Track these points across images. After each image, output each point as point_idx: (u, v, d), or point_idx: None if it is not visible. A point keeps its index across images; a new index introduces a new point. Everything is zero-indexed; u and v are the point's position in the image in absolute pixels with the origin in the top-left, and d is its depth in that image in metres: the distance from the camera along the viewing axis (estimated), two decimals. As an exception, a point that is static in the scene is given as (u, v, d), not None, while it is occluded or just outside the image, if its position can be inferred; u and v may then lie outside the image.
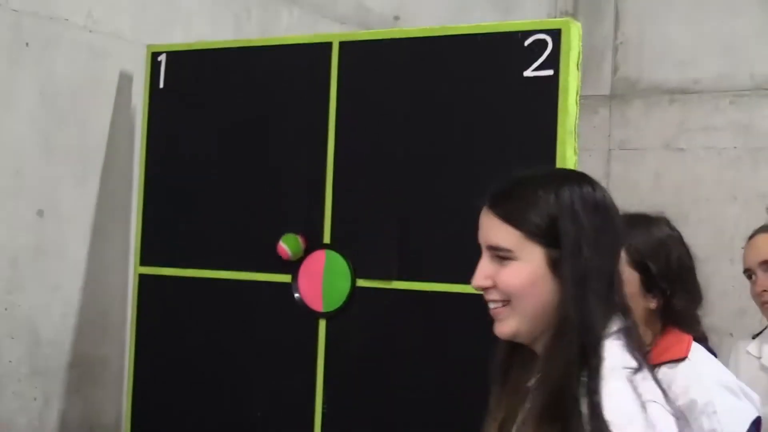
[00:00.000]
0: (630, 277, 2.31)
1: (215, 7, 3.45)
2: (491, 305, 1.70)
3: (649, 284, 2.37)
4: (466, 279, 2.38)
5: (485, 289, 1.70)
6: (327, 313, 2.76)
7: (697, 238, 4.48)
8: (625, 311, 1.69)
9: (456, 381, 2.55)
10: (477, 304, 2.18)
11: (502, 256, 1.65)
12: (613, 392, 1.58)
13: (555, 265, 1.62)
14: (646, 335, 2.32)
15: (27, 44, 2.93)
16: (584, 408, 1.54)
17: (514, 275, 1.64)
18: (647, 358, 1.73)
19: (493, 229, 1.66)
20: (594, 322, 1.61)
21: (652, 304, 2.38)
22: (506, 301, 1.66)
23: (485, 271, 1.69)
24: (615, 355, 1.63)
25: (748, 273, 2.87)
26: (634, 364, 1.63)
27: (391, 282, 2.68)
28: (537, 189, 1.65)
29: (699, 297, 2.45)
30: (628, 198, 4.59)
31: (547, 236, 1.62)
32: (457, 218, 2.58)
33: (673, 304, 2.38)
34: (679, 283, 2.39)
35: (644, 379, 1.63)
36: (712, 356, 2.46)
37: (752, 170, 4.37)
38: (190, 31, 3.26)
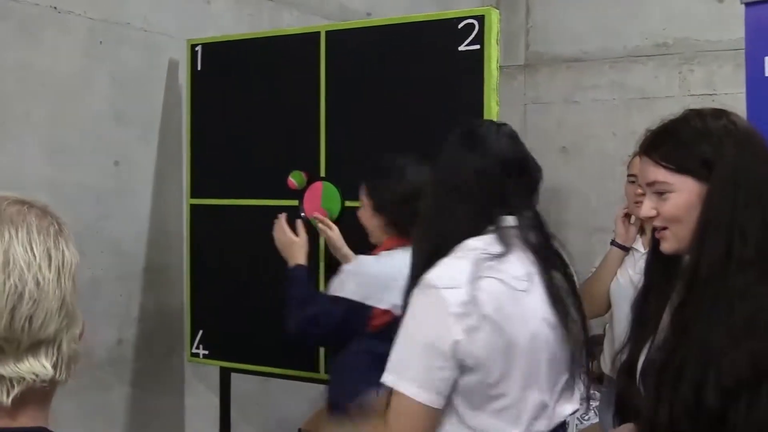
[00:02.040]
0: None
1: (236, 10, 3.40)
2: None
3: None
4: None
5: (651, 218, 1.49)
6: (325, 225, 2.76)
7: (590, 165, 4.55)
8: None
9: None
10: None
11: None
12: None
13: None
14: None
15: (100, 42, 2.90)
16: None
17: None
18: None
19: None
20: None
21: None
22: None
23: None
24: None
25: (633, 178, 2.74)
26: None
27: (369, 202, 2.67)
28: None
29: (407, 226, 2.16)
30: (540, 139, 4.65)
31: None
32: (416, 154, 2.58)
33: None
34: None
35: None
36: (381, 259, 2.30)
37: (625, 115, 4.39)
38: (218, 28, 3.22)
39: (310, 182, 2.77)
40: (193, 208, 3.04)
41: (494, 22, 2.48)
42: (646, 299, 1.56)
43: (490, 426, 1.51)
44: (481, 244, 1.54)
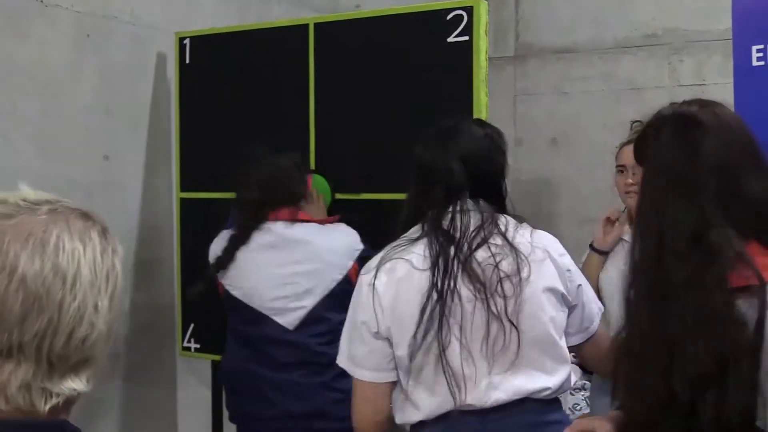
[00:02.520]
0: None
1: (225, 3, 3.39)
2: None
3: None
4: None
5: None
6: (315, 218, 2.76)
7: (580, 155, 4.54)
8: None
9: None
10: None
11: None
12: None
13: None
14: None
15: (88, 36, 2.89)
16: None
17: None
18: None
19: None
20: None
21: None
22: None
23: None
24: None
25: (622, 168, 2.70)
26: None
27: (359, 194, 2.68)
28: None
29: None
30: (530, 130, 4.64)
31: None
32: (406, 148, 2.58)
33: None
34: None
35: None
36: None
37: (615, 105, 4.38)
38: (206, 21, 3.19)
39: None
40: (183, 202, 3.04)
41: (483, 13, 2.48)
42: None
43: (419, 397, 1.64)
44: (409, 233, 1.74)
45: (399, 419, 1.69)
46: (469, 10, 2.48)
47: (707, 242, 1.26)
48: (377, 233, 2.62)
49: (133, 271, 3.06)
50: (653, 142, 1.36)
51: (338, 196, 2.71)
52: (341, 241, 2.40)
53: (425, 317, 1.60)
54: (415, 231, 1.73)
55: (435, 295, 1.61)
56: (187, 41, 3.00)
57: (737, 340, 1.20)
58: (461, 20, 2.49)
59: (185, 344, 3.03)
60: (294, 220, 2.41)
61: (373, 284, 1.65)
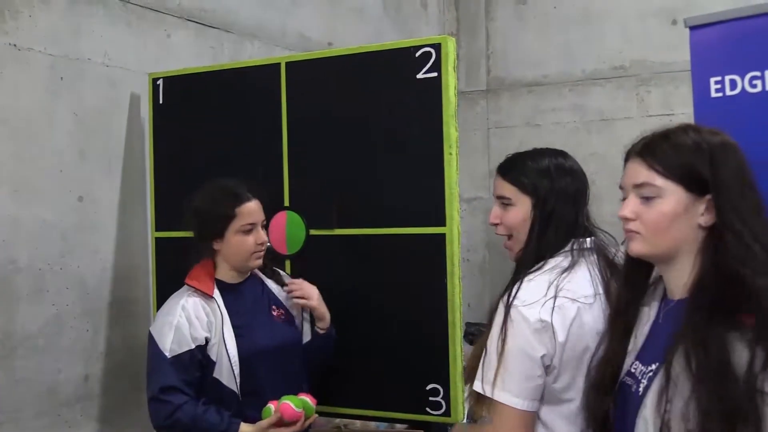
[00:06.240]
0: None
1: (198, 43, 3.44)
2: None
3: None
4: (382, 224, 2.45)
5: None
6: (290, 255, 2.79)
7: (552, 187, 4.61)
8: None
9: (379, 284, 2.64)
10: (384, 240, 2.43)
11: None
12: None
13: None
14: None
15: (61, 78, 2.91)
16: None
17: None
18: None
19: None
20: None
21: None
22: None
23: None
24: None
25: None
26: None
27: (333, 230, 2.70)
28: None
29: None
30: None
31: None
32: (378, 184, 2.63)
33: None
34: None
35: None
36: None
37: (586, 136, 4.47)
38: (179, 61, 3.24)
39: (274, 212, 2.79)
40: (159, 242, 3.05)
41: (451, 50, 2.54)
42: (627, 313, 1.62)
43: (558, 425, 1.69)
44: (557, 262, 1.76)
45: None
46: (437, 47, 2.54)
47: None
48: (351, 269, 2.67)
49: (109, 311, 3.05)
50: (713, 166, 1.46)
51: (312, 232, 2.73)
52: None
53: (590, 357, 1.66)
54: (564, 262, 1.77)
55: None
56: (160, 82, 3.03)
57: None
58: (430, 57, 2.54)
59: (162, 384, 3.00)
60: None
61: (549, 321, 1.66)
